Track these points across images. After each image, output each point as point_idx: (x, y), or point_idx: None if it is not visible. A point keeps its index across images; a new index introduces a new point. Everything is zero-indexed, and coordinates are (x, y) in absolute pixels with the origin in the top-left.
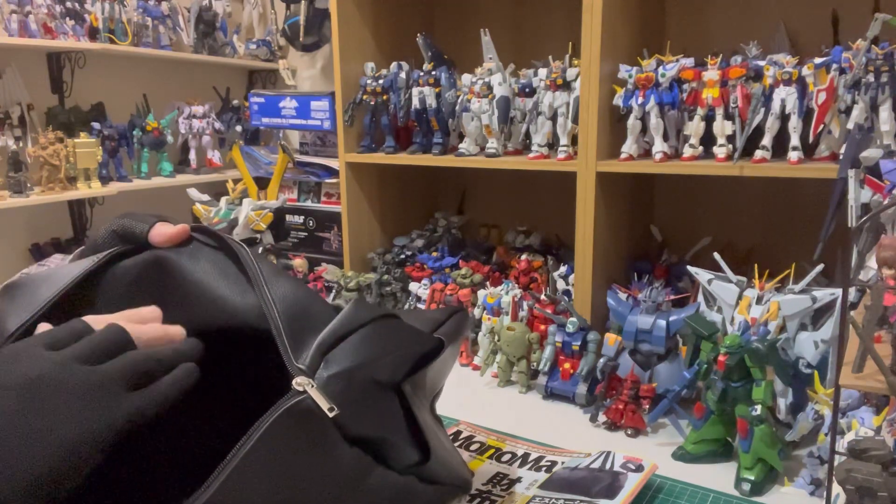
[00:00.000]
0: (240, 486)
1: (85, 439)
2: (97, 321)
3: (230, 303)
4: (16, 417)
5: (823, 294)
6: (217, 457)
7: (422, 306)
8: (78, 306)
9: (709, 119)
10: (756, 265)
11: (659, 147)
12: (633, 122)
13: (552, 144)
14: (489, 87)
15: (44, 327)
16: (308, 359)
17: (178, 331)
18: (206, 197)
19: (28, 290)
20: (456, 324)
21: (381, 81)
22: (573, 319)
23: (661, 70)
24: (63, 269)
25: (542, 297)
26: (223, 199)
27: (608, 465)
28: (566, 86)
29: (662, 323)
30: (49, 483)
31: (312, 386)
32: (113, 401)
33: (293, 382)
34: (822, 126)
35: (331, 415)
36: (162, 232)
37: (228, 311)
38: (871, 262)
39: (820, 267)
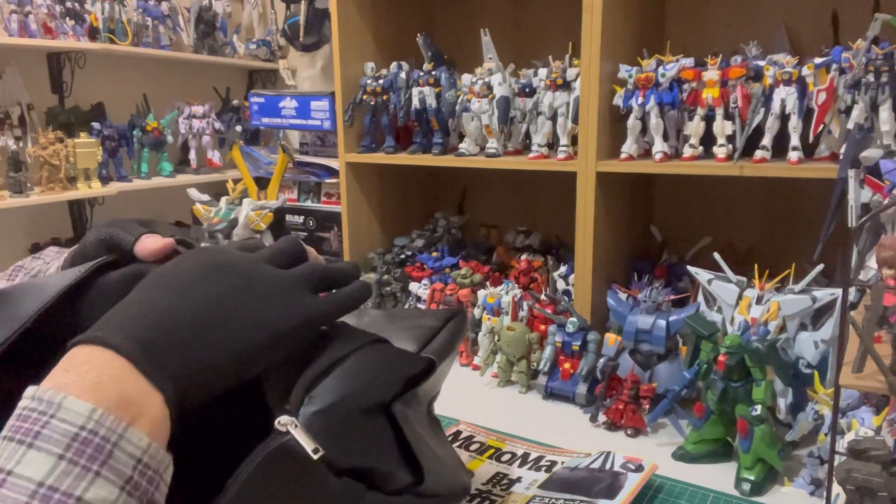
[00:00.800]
0: None
1: (283, 326)
2: None
3: None
4: (236, 294)
5: (823, 294)
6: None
7: (422, 306)
8: (63, 317)
9: (709, 119)
10: (756, 265)
11: (659, 147)
12: (633, 122)
13: (552, 144)
14: (489, 87)
15: None
16: (293, 398)
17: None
18: (206, 197)
19: (12, 302)
20: (452, 332)
21: (381, 81)
22: (573, 319)
23: (661, 70)
24: (48, 280)
25: (542, 297)
26: (223, 199)
27: (608, 466)
28: (566, 86)
29: (662, 323)
30: (249, 360)
31: (296, 426)
32: (305, 298)
33: (276, 423)
34: (822, 126)
35: (315, 456)
36: (146, 246)
37: None
38: (871, 262)
39: (820, 267)
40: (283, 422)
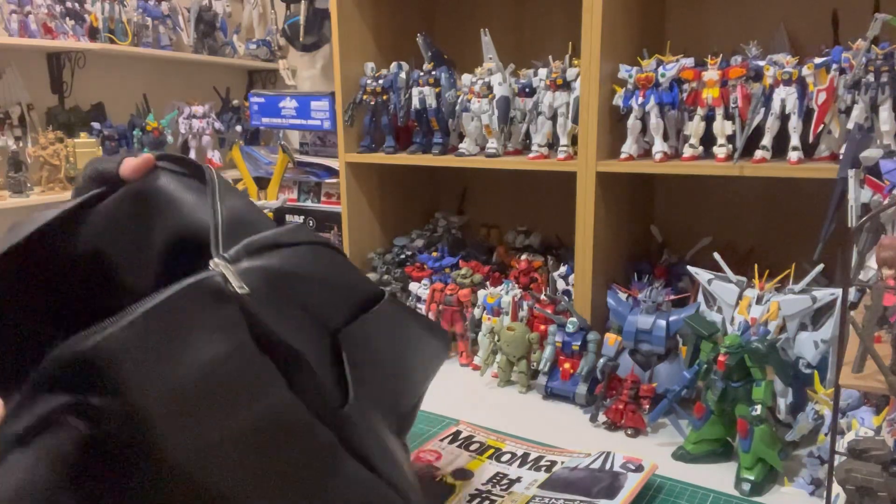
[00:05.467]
0: (127, 344)
1: None
2: None
3: (198, 215)
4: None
5: (823, 294)
6: None
7: (422, 306)
8: (62, 242)
9: (709, 119)
10: (756, 265)
11: (659, 147)
12: (633, 122)
13: (552, 144)
14: (489, 87)
15: None
16: (232, 251)
17: None
18: None
19: (17, 229)
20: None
21: (381, 81)
22: (573, 319)
23: (661, 70)
24: (49, 212)
25: (542, 297)
26: None
27: (608, 466)
28: (566, 86)
29: (662, 323)
30: None
31: (228, 268)
32: None
33: (210, 263)
34: (822, 126)
35: (240, 292)
36: (129, 166)
37: (198, 223)
38: (871, 262)
39: (820, 267)
40: (216, 262)
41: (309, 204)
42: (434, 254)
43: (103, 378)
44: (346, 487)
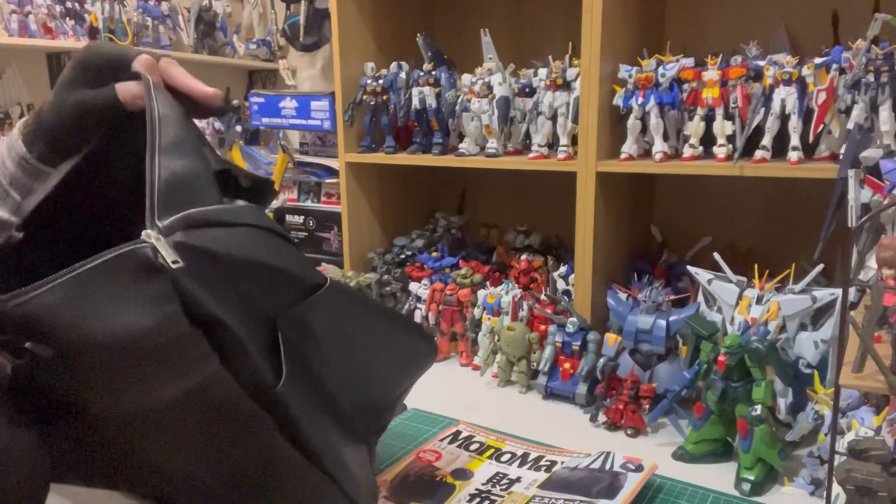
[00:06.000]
0: (54, 304)
1: None
2: None
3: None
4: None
5: (823, 294)
6: None
7: (422, 306)
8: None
9: (709, 119)
10: (756, 265)
11: (659, 147)
12: (633, 122)
13: (552, 144)
14: (489, 87)
15: None
16: (168, 221)
17: None
18: None
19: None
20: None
21: (381, 81)
22: (573, 319)
23: (661, 70)
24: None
25: (542, 297)
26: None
27: (608, 466)
28: (566, 86)
29: (662, 323)
30: None
31: (160, 240)
32: None
33: (142, 234)
34: (822, 126)
35: (173, 266)
36: (146, 62)
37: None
38: (871, 262)
39: (820, 267)
40: (149, 233)
41: (309, 204)
42: (434, 254)
43: (27, 327)
44: (279, 471)
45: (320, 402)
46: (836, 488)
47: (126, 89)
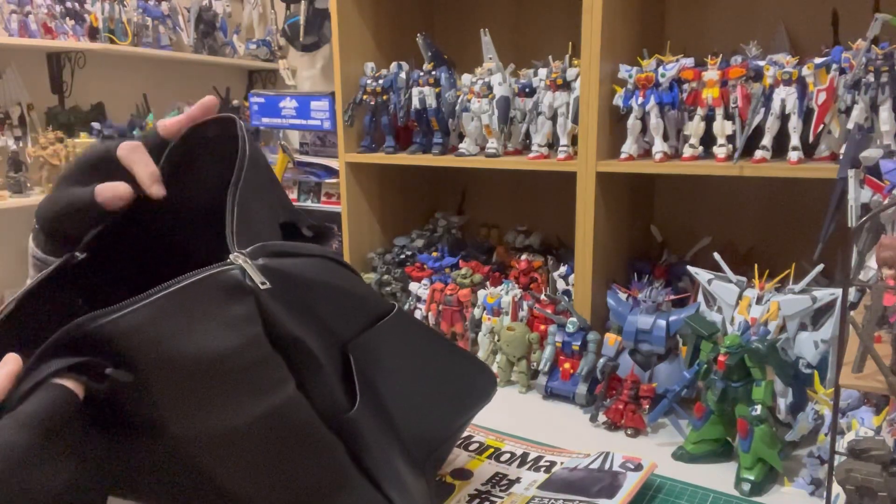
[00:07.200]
0: (141, 324)
1: None
2: None
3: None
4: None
5: (823, 294)
6: None
7: (422, 306)
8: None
9: (709, 119)
10: (756, 265)
11: (659, 147)
12: (633, 122)
13: (552, 144)
14: (489, 87)
15: None
16: (250, 249)
17: None
18: None
19: None
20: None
21: (381, 81)
22: (573, 319)
23: (661, 70)
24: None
25: (542, 297)
26: None
27: (607, 466)
28: (566, 86)
29: (662, 323)
30: None
31: (248, 263)
32: None
33: (229, 257)
34: (822, 126)
35: (262, 287)
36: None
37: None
38: (871, 262)
39: (820, 267)
40: (237, 256)
41: (309, 204)
42: (434, 254)
43: (110, 347)
44: (342, 497)
45: (387, 430)
46: (836, 488)
47: (107, 189)
